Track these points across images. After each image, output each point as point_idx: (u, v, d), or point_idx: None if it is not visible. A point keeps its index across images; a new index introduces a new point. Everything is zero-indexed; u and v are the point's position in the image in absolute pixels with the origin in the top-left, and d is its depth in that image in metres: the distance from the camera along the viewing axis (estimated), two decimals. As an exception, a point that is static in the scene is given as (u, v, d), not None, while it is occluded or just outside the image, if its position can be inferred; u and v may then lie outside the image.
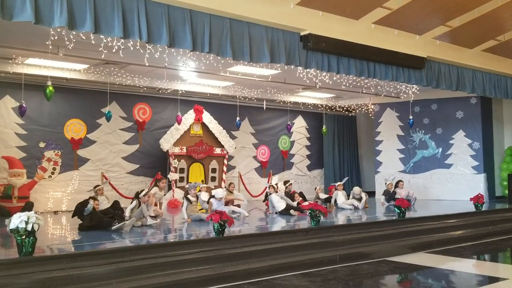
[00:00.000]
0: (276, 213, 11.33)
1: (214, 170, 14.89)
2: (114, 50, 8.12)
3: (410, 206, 10.98)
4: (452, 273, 7.35)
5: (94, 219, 8.50)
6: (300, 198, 12.04)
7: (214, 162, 14.81)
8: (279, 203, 11.33)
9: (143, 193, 9.35)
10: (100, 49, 7.99)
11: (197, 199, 10.34)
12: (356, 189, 13.12)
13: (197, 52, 8.69)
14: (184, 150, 14.33)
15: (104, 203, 10.09)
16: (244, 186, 15.59)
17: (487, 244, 9.90)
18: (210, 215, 7.70)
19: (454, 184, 16.26)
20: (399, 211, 10.16)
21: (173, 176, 13.92)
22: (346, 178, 14.37)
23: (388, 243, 8.88)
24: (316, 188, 14.84)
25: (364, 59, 10.00)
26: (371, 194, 18.05)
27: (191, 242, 7.29)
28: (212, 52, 7.85)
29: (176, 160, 14.20)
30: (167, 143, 14.09)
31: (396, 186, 14.18)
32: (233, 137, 15.82)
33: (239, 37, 8.13)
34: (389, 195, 13.90)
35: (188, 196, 10.20)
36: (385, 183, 14.51)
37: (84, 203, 8.74)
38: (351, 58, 9.79)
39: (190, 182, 11.54)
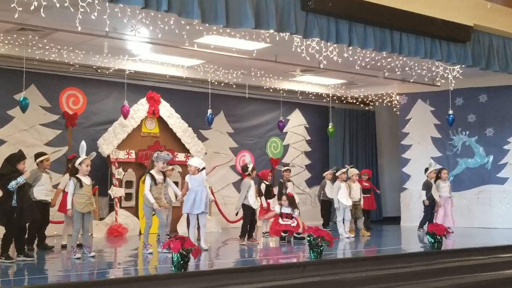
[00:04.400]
0: None
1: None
2: (32, 8, 8.03)
3: (450, 233, 11.02)
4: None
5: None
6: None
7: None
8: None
9: (78, 161, 9.29)
10: (12, 5, 7.89)
11: (165, 178, 10.16)
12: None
13: (152, 13, 8.70)
14: (133, 155, 14.23)
15: None
16: (217, 207, 15.45)
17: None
18: (167, 243, 7.65)
19: (510, 206, 16.35)
20: (433, 241, 10.19)
21: (116, 192, 13.80)
22: None
23: (416, 283, 8.92)
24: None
25: (387, 27, 10.09)
26: (396, 220, 18.12)
27: (141, 280, 7.24)
28: (173, 11, 7.83)
29: (120, 170, 14.06)
30: (108, 145, 13.97)
31: (438, 177, 14.35)
32: (203, 139, 15.80)
33: (211, -9, 8.16)
34: (428, 188, 14.07)
35: (152, 171, 9.82)
36: (425, 172, 14.47)
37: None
38: (369, 25, 9.86)
39: (160, 151, 10.89)
